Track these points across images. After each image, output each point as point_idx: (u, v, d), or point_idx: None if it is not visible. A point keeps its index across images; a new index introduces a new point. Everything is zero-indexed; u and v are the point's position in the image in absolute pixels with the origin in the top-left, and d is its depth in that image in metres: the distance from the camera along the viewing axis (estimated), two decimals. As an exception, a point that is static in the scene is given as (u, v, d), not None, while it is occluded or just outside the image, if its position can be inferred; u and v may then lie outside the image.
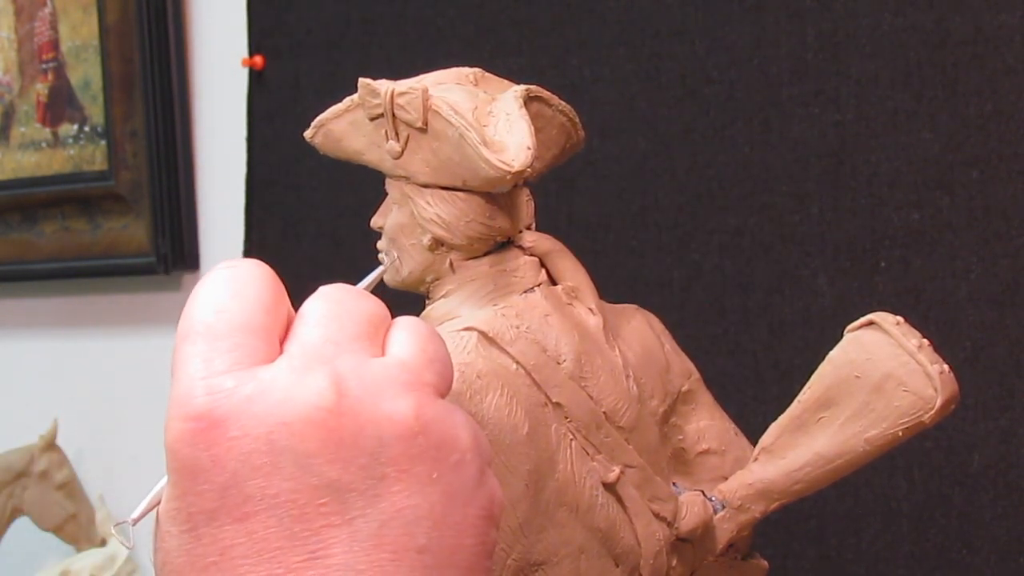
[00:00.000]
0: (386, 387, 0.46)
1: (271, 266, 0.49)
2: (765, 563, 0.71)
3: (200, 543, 0.44)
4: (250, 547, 0.44)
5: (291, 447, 0.44)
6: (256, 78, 1.45)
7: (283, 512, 0.44)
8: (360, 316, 0.48)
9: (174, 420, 0.45)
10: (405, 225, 0.64)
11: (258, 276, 0.48)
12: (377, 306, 0.49)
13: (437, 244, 0.63)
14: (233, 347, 0.45)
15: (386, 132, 0.62)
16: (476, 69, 0.64)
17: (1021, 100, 1.03)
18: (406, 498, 0.45)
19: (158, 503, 0.47)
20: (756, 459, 0.67)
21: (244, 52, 1.46)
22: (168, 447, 0.45)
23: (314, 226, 1.41)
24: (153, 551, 0.46)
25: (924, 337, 0.63)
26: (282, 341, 0.47)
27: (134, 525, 0.49)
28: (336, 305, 0.48)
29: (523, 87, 0.62)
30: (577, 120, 0.66)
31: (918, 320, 0.64)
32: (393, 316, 0.50)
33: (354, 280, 0.56)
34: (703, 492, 0.67)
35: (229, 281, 0.47)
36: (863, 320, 0.64)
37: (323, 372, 0.45)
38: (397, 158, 0.63)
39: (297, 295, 0.49)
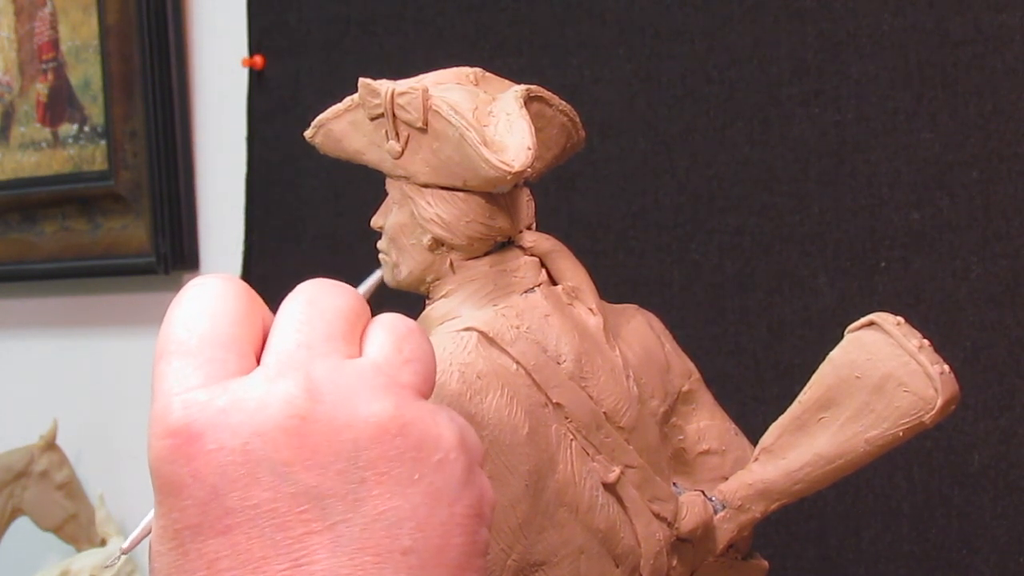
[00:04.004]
0: (360, 390, 0.45)
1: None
2: (765, 563, 0.71)
3: (187, 559, 0.44)
4: (235, 559, 0.44)
5: (267, 456, 0.44)
6: (256, 78, 1.45)
7: (264, 522, 0.44)
8: (334, 315, 0.47)
9: (154, 438, 0.45)
10: (405, 225, 0.64)
11: (228, 290, 0.48)
12: (353, 301, 0.49)
13: (437, 244, 0.63)
14: (205, 362, 0.46)
15: (386, 132, 0.62)
16: (476, 69, 0.64)
17: (1021, 100, 1.03)
18: (387, 500, 0.45)
19: (148, 533, 0.47)
20: (756, 459, 0.67)
21: (244, 52, 1.46)
22: (150, 466, 0.45)
23: (314, 226, 1.41)
24: (148, 572, 0.46)
25: (924, 337, 0.63)
26: (260, 350, 0.47)
27: (123, 555, 0.50)
28: (309, 306, 0.48)
29: (523, 87, 0.62)
30: (578, 120, 0.66)
31: (918, 320, 0.64)
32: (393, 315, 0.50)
33: (353, 281, 0.56)
34: (703, 492, 0.67)
35: (198, 298, 0.47)
36: (863, 320, 0.64)
37: (295, 379, 0.45)
38: (397, 158, 0.63)
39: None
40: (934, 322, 1.05)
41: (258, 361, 0.47)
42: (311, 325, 0.47)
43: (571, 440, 0.62)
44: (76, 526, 1.59)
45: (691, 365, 0.69)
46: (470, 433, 0.48)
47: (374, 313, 0.50)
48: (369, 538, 0.44)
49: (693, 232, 1.18)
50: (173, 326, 0.47)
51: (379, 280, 0.64)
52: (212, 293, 0.48)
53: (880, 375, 0.63)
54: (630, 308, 0.68)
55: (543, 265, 0.65)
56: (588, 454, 0.62)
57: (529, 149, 0.59)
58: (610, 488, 0.63)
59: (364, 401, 0.45)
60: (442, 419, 0.47)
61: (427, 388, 0.48)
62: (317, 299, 0.48)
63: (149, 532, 0.47)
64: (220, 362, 0.46)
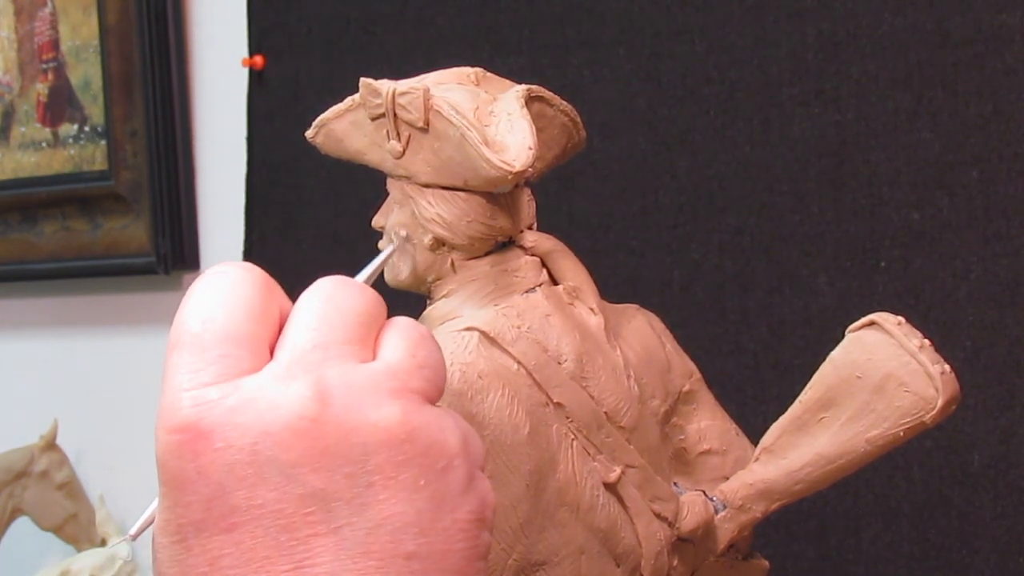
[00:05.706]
0: (371, 395, 0.46)
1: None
2: (766, 563, 0.71)
3: (190, 554, 0.45)
4: (238, 557, 0.44)
5: (275, 457, 0.44)
6: (256, 78, 1.46)
7: (269, 522, 0.44)
8: (352, 316, 0.47)
9: (161, 432, 0.45)
10: (406, 225, 0.64)
11: (247, 282, 0.47)
12: (372, 303, 0.48)
13: (438, 244, 0.63)
14: (219, 358, 0.45)
15: (387, 132, 0.62)
16: (477, 69, 0.64)
17: (1021, 100, 1.03)
18: (393, 505, 0.45)
19: (154, 520, 0.47)
20: (757, 459, 0.67)
21: (244, 52, 1.46)
22: (157, 459, 0.45)
23: (314, 226, 1.41)
24: (152, 562, 0.46)
25: (925, 337, 0.63)
26: (275, 342, 0.47)
27: (133, 540, 0.50)
28: (327, 304, 0.47)
29: (524, 87, 0.62)
30: (579, 120, 0.66)
31: (918, 320, 0.64)
32: (394, 314, 0.49)
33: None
34: (704, 492, 0.67)
35: (217, 289, 0.47)
36: (864, 320, 0.64)
37: (307, 381, 0.45)
38: (398, 158, 0.63)
39: (296, 296, 0.49)
40: (934, 322, 1.05)
41: (272, 352, 0.46)
42: (329, 324, 0.47)
43: (572, 440, 0.62)
44: (76, 526, 1.59)
45: (692, 365, 0.69)
46: (473, 438, 0.48)
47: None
48: (373, 542, 0.44)
49: (693, 232, 1.18)
50: (188, 317, 0.46)
51: (391, 255, 0.63)
52: (231, 284, 0.47)
53: (881, 375, 0.63)
54: (631, 308, 0.68)
55: (544, 265, 0.65)
56: (589, 454, 0.62)
57: (530, 149, 0.59)
58: (611, 488, 0.63)
59: (374, 406, 0.45)
60: (448, 425, 0.47)
61: (436, 394, 0.48)
62: (336, 298, 0.48)
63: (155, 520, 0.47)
64: (233, 359, 0.45)
